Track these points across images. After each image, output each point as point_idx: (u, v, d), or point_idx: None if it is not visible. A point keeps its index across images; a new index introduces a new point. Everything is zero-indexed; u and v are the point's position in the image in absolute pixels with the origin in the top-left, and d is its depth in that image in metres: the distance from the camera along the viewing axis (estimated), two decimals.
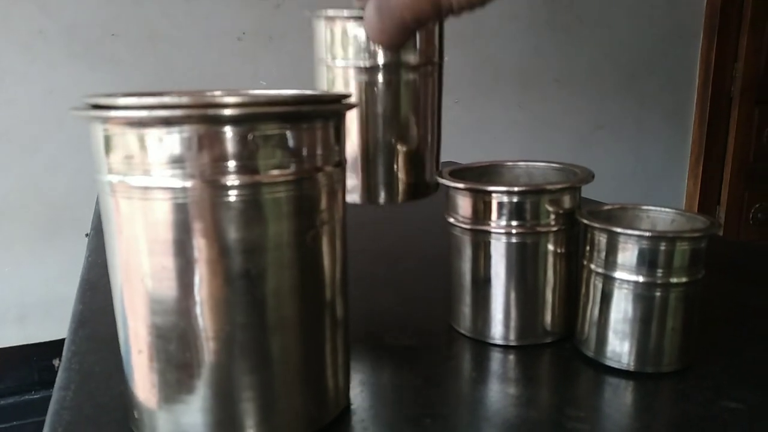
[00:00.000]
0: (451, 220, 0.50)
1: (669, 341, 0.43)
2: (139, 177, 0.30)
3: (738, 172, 2.41)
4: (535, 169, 0.54)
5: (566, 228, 0.47)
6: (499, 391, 0.42)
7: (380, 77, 0.48)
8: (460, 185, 0.48)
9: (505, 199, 0.46)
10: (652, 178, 2.43)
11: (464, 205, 0.48)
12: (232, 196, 0.30)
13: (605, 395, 0.42)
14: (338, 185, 0.35)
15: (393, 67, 0.47)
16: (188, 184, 0.29)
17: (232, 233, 0.30)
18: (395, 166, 0.50)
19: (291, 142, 0.31)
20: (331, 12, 0.47)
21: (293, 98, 0.32)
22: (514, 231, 0.46)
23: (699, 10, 2.33)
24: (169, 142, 0.29)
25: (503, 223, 0.46)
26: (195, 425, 0.32)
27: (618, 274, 0.43)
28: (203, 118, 0.28)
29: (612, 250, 0.43)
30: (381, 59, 0.47)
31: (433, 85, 0.51)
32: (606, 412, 0.39)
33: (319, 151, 0.32)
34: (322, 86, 0.49)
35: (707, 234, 0.42)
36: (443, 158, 0.56)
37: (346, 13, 0.47)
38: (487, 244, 0.47)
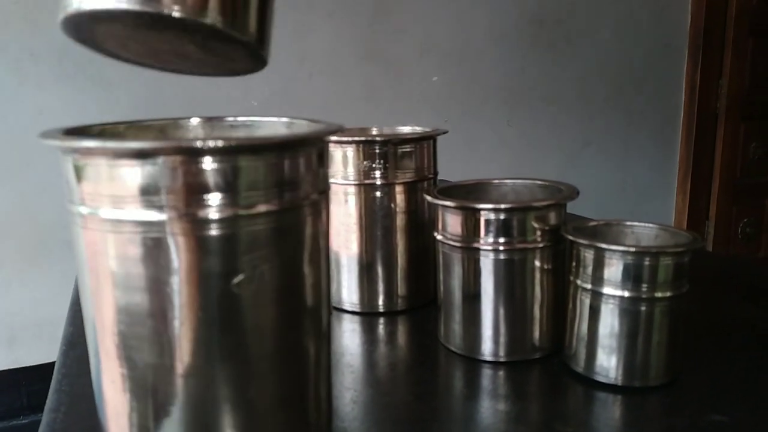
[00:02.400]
0: (440, 237, 0.50)
1: (655, 355, 0.44)
2: (110, 210, 0.28)
3: (726, 187, 2.43)
4: (522, 187, 0.55)
5: (552, 244, 0.48)
6: (489, 407, 0.42)
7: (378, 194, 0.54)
8: (449, 203, 0.48)
9: (492, 216, 0.47)
10: (641, 194, 2.45)
11: (453, 222, 0.49)
12: (211, 229, 0.28)
13: (593, 410, 0.42)
14: (321, 213, 0.33)
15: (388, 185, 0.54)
16: (163, 217, 0.28)
17: (210, 268, 0.28)
18: None
19: (270, 173, 0.29)
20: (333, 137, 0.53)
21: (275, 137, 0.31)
22: (501, 248, 0.47)
23: (683, 30, 2.36)
24: (143, 174, 0.27)
25: (491, 240, 0.47)
26: None
27: (604, 290, 0.44)
28: (178, 150, 0.27)
29: (597, 265, 0.44)
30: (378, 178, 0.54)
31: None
32: (594, 427, 0.40)
33: (301, 181, 0.31)
34: None
35: (690, 249, 0.43)
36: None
37: (345, 138, 0.54)
38: (476, 261, 0.48)
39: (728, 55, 2.32)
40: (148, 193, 0.27)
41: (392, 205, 0.55)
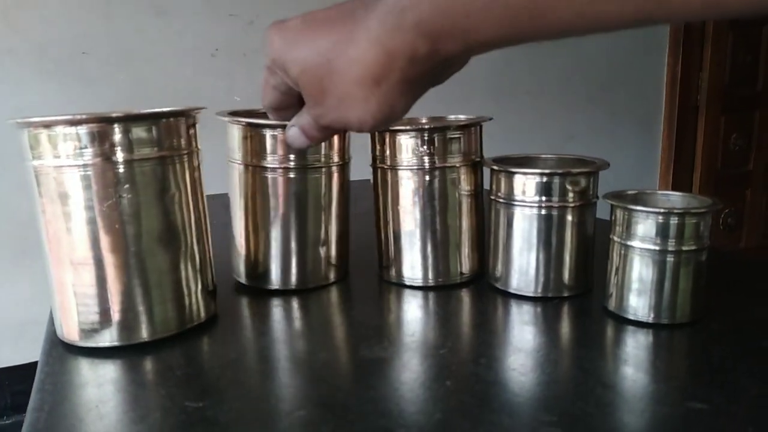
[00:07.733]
0: (494, 197, 0.58)
1: (682, 297, 0.49)
2: (53, 159, 0.46)
3: (707, 178, 2.47)
4: (560, 160, 0.62)
5: (584, 204, 0.55)
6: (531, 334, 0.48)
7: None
8: (511, 169, 0.56)
9: (545, 179, 0.54)
10: (624, 185, 2.47)
11: (509, 184, 0.56)
12: (119, 167, 0.46)
13: (627, 340, 0.48)
14: (192, 160, 0.51)
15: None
16: (89, 161, 0.45)
17: (118, 190, 0.46)
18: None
19: (155, 135, 0.47)
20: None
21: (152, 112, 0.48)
22: (543, 205, 0.54)
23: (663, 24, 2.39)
24: (76, 136, 0.45)
25: (537, 198, 0.55)
26: (105, 324, 0.48)
27: (638, 244, 0.49)
28: (96, 120, 0.45)
29: (634, 224, 0.50)
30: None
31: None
32: (630, 354, 0.43)
33: (175, 141, 0.49)
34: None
35: (711, 210, 0.49)
36: None
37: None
38: (524, 215, 0.56)
39: (708, 49, 2.37)
40: (79, 147, 0.45)
41: (444, 187, 0.58)
